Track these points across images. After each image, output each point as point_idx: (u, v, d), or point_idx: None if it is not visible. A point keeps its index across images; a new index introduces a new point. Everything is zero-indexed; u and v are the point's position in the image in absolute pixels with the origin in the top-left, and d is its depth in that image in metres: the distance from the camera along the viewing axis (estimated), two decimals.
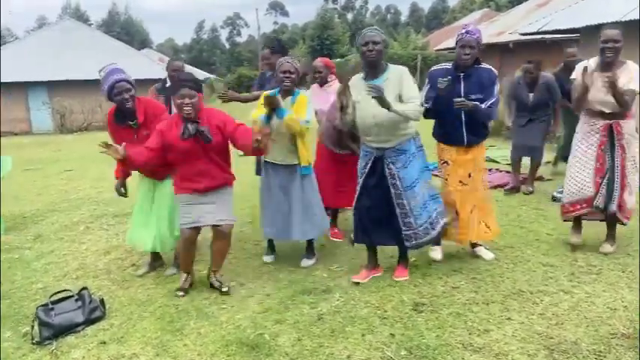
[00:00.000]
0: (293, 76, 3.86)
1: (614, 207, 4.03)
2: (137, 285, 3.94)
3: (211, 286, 3.78)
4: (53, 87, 20.33)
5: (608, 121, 3.98)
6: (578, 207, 4.15)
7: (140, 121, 3.81)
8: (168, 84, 4.97)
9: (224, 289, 3.70)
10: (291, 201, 4.01)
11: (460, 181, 3.91)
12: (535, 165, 6.27)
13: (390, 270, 3.88)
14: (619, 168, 4.02)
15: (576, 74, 4.06)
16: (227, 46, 72.93)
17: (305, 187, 4.03)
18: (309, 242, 4.24)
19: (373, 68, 3.55)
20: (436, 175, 4.23)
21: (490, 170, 7.49)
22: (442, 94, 3.68)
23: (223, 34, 74.98)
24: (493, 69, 3.86)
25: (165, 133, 3.54)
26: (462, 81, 3.78)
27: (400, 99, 3.47)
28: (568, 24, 10.13)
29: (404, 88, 3.47)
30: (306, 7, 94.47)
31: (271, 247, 4.38)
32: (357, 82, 3.62)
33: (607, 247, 4.13)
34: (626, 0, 9.17)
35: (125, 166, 3.77)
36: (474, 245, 4.17)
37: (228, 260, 4.29)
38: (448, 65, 3.86)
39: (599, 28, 9.48)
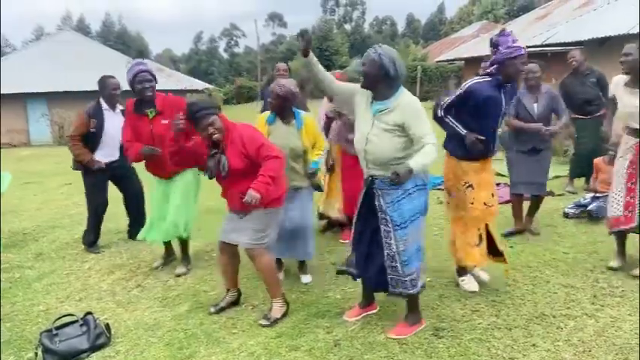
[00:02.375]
0: (274, 101, 3.83)
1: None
2: (143, 307, 3.79)
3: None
4: (52, 98, 20.23)
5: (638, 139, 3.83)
6: (614, 222, 4.04)
7: (159, 109, 4.14)
8: (105, 107, 4.85)
9: (260, 322, 3.43)
10: (296, 220, 3.93)
11: (485, 203, 3.68)
12: (537, 202, 5.13)
13: None
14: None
15: (614, 89, 3.95)
16: (225, 56, 73.10)
17: (306, 207, 4.00)
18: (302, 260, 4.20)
19: (374, 94, 3.14)
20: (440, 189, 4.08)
21: (498, 185, 7.37)
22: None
23: (222, 45, 75.23)
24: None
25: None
26: (504, 95, 3.57)
27: (402, 130, 3.02)
28: (572, 37, 10.11)
29: (412, 127, 2.97)
30: (304, 18, 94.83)
31: (279, 264, 4.24)
32: (364, 98, 3.19)
33: (635, 270, 3.96)
34: (630, 13, 9.15)
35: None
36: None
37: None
38: (487, 78, 3.54)
39: (604, 41, 9.49)
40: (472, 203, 3.67)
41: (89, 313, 3.36)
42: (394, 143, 3.04)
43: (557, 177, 7.28)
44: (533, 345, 3.05)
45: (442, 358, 2.94)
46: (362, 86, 3.14)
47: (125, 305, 3.85)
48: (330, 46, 39.45)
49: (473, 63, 22.37)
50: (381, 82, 3.05)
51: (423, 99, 27.50)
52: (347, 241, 4.60)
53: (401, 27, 73.85)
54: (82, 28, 52.02)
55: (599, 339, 3.09)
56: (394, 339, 3.16)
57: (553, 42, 10.88)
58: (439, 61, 27.49)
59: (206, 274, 4.36)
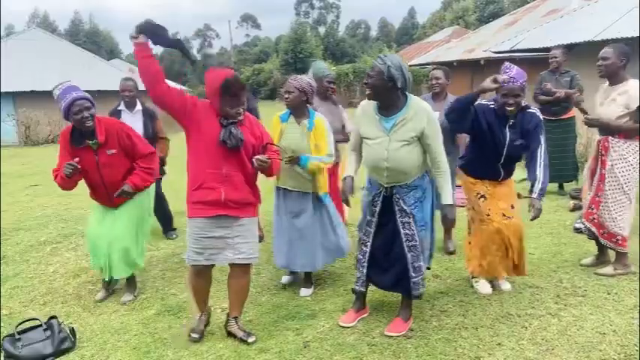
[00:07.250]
0: (291, 95, 3.62)
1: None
2: (110, 311, 3.73)
3: (231, 335, 3.27)
4: (19, 98, 19.69)
5: (601, 136, 4.03)
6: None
7: (101, 141, 3.51)
8: (121, 107, 5.08)
9: (250, 340, 3.18)
10: (300, 230, 3.76)
11: (503, 214, 3.61)
12: (450, 222, 4.44)
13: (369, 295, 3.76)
14: (594, 185, 4.04)
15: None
16: (198, 57, 72.41)
17: (320, 214, 3.77)
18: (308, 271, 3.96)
19: (384, 106, 3.11)
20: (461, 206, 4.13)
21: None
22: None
23: (195, 46, 74.54)
24: (537, 112, 3.53)
25: (198, 109, 2.95)
26: (507, 128, 3.48)
27: (419, 140, 3.06)
28: (540, 43, 10.35)
29: (431, 139, 3.04)
30: (278, 21, 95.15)
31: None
32: (369, 113, 3.17)
33: (601, 269, 4.10)
34: (597, 20, 9.42)
35: None
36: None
37: None
38: (491, 104, 3.51)
39: (570, 47, 9.75)
40: (488, 215, 3.62)
41: (53, 317, 3.29)
42: (415, 154, 3.09)
43: (523, 180, 7.43)
44: (499, 344, 3.11)
45: (410, 358, 2.97)
46: (369, 98, 3.13)
47: (91, 309, 3.78)
48: (304, 48, 39.42)
49: None
50: (390, 93, 3.02)
51: None
52: None
53: (374, 31, 74.47)
54: (48, 26, 50.71)
55: (562, 338, 3.16)
56: (389, 335, 3.22)
57: (521, 47, 11.12)
58: (412, 65, 27.73)
59: (175, 277, 4.31)
